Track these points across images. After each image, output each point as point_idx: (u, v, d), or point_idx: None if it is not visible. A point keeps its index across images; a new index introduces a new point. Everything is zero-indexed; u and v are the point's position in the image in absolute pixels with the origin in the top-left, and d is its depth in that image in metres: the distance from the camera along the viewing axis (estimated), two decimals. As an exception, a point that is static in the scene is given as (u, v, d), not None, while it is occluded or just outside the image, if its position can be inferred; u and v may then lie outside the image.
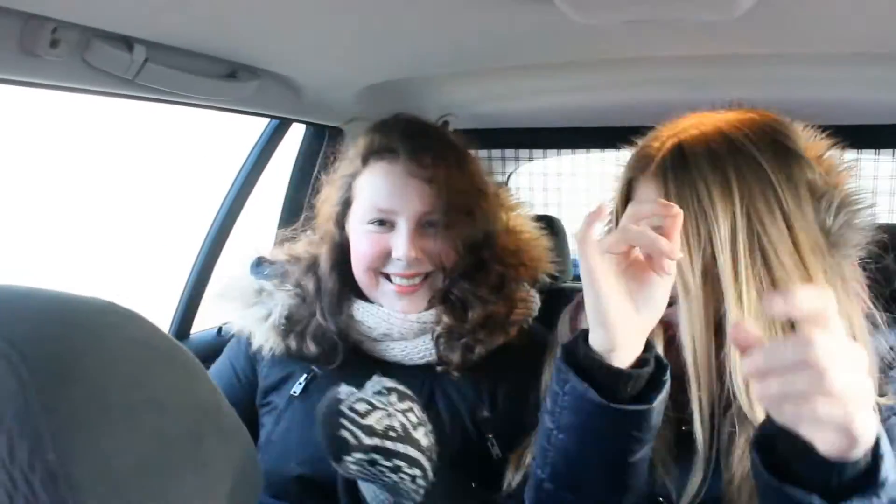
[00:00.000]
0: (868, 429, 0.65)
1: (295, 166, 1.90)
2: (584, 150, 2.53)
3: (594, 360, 0.84)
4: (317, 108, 1.63)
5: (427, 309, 1.24)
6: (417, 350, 1.23)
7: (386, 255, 1.21)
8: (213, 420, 0.52)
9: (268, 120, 1.74)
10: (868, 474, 0.68)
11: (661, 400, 0.85)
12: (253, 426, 1.27)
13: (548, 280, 1.34)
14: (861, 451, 0.66)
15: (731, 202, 0.89)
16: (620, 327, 0.83)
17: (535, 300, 1.32)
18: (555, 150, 2.55)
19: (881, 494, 0.67)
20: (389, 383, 0.98)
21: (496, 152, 2.39)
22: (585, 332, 0.86)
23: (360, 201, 1.24)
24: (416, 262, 1.20)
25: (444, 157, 1.22)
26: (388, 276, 1.23)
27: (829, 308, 0.62)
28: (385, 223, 1.21)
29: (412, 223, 1.19)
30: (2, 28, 0.94)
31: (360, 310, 1.24)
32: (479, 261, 1.25)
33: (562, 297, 1.30)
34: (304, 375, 1.24)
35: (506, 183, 2.54)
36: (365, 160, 1.24)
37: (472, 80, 1.72)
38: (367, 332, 1.24)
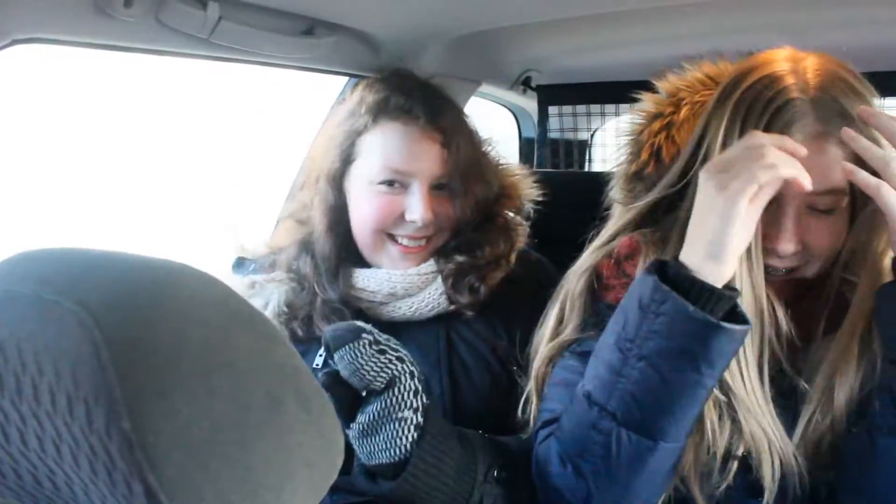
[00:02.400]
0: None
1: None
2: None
3: (693, 280, 0.84)
4: (396, 65, 1.60)
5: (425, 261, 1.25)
6: (425, 303, 1.23)
7: (397, 217, 1.20)
8: (291, 383, 0.50)
9: (346, 79, 1.72)
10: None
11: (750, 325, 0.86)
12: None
13: (530, 206, 1.37)
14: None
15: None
16: (735, 260, 0.84)
17: (523, 227, 1.35)
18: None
19: None
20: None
21: (581, 108, 2.31)
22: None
23: (369, 160, 1.21)
24: (428, 223, 1.20)
25: (457, 121, 1.24)
26: (393, 238, 1.22)
27: None
28: (395, 184, 1.19)
29: (426, 185, 1.19)
30: (75, -12, 0.94)
31: (360, 277, 1.24)
32: (488, 214, 1.28)
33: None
34: (321, 351, 1.20)
35: (591, 139, 2.46)
36: (375, 118, 1.20)
37: (555, 32, 1.66)
38: (371, 297, 1.23)
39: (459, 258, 1.23)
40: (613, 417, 0.87)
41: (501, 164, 1.36)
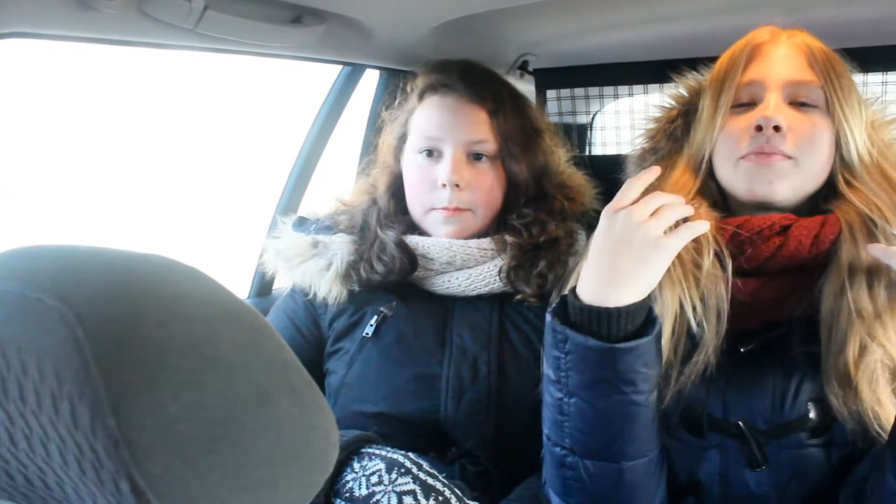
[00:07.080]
0: None
1: (371, 113, 1.87)
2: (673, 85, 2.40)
3: (590, 308, 0.87)
4: (388, 51, 1.58)
5: (482, 237, 1.28)
6: (482, 277, 1.26)
7: (433, 185, 1.25)
8: (282, 378, 0.49)
9: (341, 67, 1.70)
10: None
11: (658, 329, 0.88)
12: (317, 381, 1.30)
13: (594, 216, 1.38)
14: None
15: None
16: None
17: (581, 235, 1.35)
18: (641, 87, 2.43)
19: None
20: (408, 463, 1.00)
21: (579, 91, 2.28)
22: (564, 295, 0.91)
23: (413, 133, 1.29)
24: (458, 191, 1.23)
25: (499, 94, 1.27)
26: (434, 210, 1.27)
27: None
28: (433, 153, 1.25)
29: (458, 151, 1.23)
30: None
31: (421, 244, 1.27)
32: (541, 191, 1.30)
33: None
34: (375, 318, 1.27)
35: (591, 122, 2.44)
36: (421, 96, 1.29)
37: (552, 14, 1.64)
38: (430, 264, 1.27)
39: (513, 251, 1.26)
40: (573, 452, 0.91)
41: (561, 152, 1.41)
